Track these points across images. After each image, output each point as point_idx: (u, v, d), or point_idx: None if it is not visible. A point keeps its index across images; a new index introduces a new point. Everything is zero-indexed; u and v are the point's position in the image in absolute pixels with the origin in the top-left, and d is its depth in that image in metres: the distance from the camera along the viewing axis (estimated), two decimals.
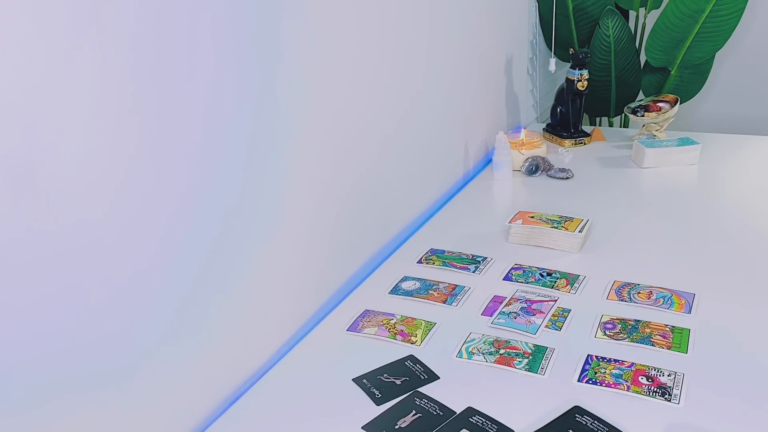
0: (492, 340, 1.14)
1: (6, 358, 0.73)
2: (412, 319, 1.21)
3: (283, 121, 1.12)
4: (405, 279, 1.35)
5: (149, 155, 0.87)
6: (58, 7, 0.73)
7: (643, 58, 2.27)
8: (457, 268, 1.38)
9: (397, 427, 0.95)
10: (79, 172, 0.78)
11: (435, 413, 0.98)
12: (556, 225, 1.43)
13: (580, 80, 1.99)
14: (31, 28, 0.71)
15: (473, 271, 1.36)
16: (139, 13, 0.83)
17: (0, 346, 0.73)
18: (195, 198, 0.96)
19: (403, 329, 1.18)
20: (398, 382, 1.05)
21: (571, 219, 1.46)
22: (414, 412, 0.98)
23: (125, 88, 0.83)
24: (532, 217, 1.48)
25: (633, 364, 1.05)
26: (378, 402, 1.01)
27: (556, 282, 1.30)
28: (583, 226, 1.43)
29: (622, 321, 1.17)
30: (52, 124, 0.75)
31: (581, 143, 2.05)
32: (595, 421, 0.94)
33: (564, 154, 1.99)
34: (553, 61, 2.19)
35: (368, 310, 1.24)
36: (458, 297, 1.27)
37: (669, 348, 1.09)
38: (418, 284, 1.32)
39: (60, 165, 0.76)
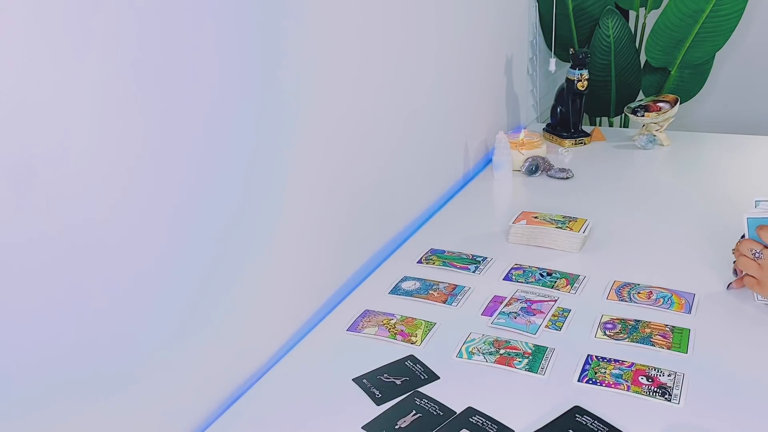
0: (492, 340, 1.14)
1: (8, 361, 0.73)
2: (412, 319, 1.21)
3: (286, 122, 1.12)
4: (405, 279, 1.35)
5: (152, 158, 0.88)
6: (61, 8, 0.73)
7: (643, 58, 2.26)
8: (457, 268, 1.38)
9: (397, 427, 0.95)
10: (82, 174, 0.78)
11: (435, 413, 0.98)
12: (560, 225, 1.43)
13: (580, 80, 1.99)
14: (34, 30, 0.71)
15: (473, 271, 1.36)
16: (142, 15, 0.83)
17: (2, 349, 0.73)
18: (197, 201, 0.96)
19: (403, 329, 1.18)
20: (398, 382, 1.05)
21: (575, 219, 1.46)
22: (414, 412, 0.98)
23: (129, 91, 0.83)
24: (536, 217, 1.48)
25: (633, 364, 1.05)
26: (378, 402, 1.01)
27: (556, 282, 1.30)
28: (586, 227, 1.43)
29: (622, 321, 1.17)
30: (55, 126, 0.75)
31: (581, 143, 2.05)
32: (595, 421, 0.94)
33: (564, 154, 1.99)
34: (553, 61, 2.19)
35: (368, 310, 1.24)
36: (458, 297, 1.27)
37: (669, 348, 1.09)
38: (418, 284, 1.32)
39: (63, 167, 0.76)
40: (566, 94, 2.03)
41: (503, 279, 1.33)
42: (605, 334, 1.14)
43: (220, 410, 1.04)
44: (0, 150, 0.69)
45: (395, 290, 1.31)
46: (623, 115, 2.35)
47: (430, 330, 1.18)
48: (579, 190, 1.75)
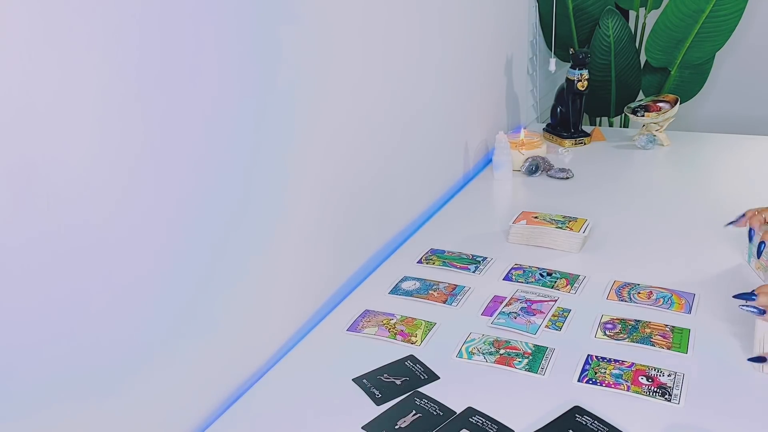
0: (492, 340, 1.14)
1: (8, 361, 0.73)
2: (412, 319, 1.21)
3: (286, 123, 1.12)
4: (405, 279, 1.35)
5: (153, 158, 0.88)
6: (63, 9, 0.73)
7: (643, 58, 2.27)
8: (457, 268, 1.38)
9: (397, 427, 0.95)
10: (83, 175, 0.78)
11: (435, 413, 0.98)
12: (560, 225, 1.43)
13: (580, 80, 1.99)
14: (36, 30, 0.71)
15: (473, 271, 1.36)
16: (143, 16, 0.83)
17: (2, 349, 0.73)
18: (197, 201, 0.96)
19: (403, 329, 1.18)
20: (398, 382, 1.05)
21: (575, 219, 1.46)
22: (414, 412, 0.98)
23: (129, 92, 0.83)
24: (536, 217, 1.48)
25: (633, 364, 1.05)
26: (378, 402, 1.01)
27: (556, 282, 1.30)
28: (586, 227, 1.43)
29: (622, 321, 1.17)
30: (56, 126, 0.75)
31: (581, 143, 2.05)
32: (595, 421, 0.94)
33: (564, 154, 1.99)
34: (553, 61, 2.19)
35: (368, 310, 1.24)
36: (458, 297, 1.27)
37: (669, 348, 1.09)
38: (418, 284, 1.32)
39: (63, 168, 0.76)
40: (566, 94, 2.03)
41: (503, 279, 1.33)
42: (605, 334, 1.14)
43: (220, 410, 1.04)
44: (0, 150, 0.70)
45: (395, 290, 1.31)
46: (623, 115, 2.35)
47: (430, 330, 1.18)
48: (579, 190, 1.75)
